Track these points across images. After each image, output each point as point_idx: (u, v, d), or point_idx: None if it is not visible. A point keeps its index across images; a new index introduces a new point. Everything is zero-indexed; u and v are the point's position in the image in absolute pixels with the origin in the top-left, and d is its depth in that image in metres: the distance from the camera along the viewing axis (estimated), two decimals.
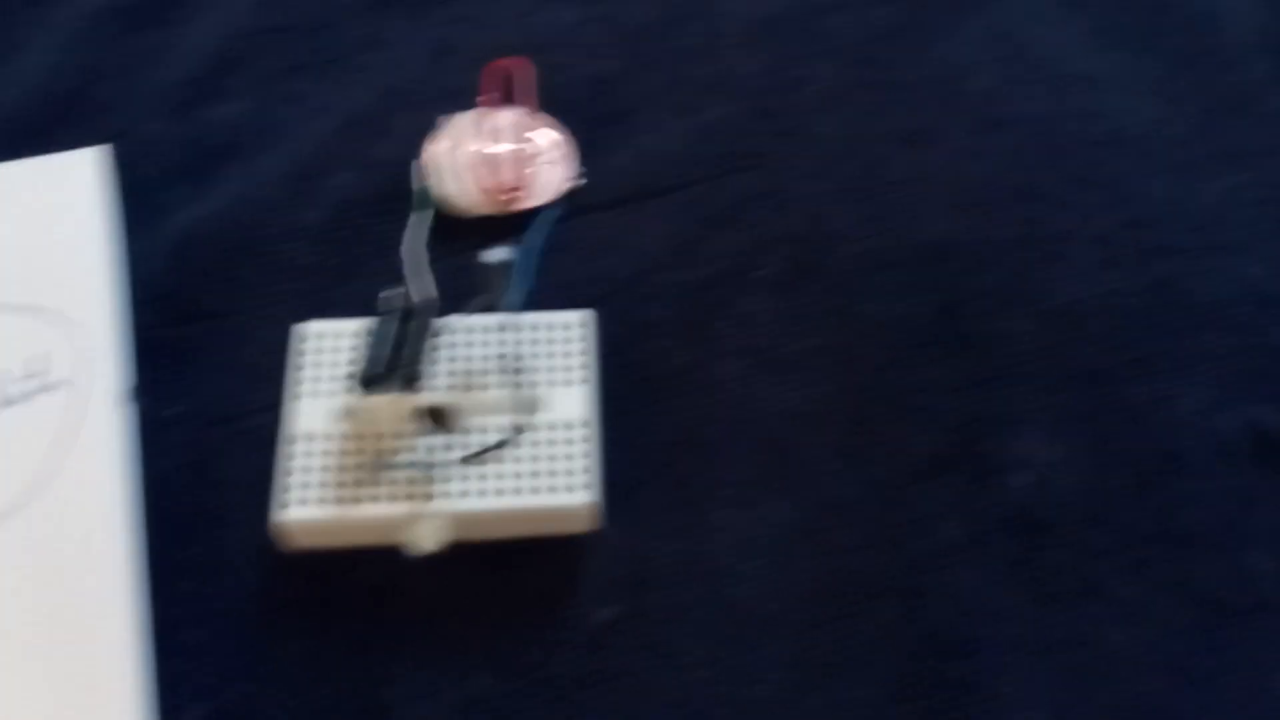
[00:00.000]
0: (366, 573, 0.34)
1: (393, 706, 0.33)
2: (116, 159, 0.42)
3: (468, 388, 0.36)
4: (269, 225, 0.41)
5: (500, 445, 0.34)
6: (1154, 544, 0.35)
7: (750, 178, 0.42)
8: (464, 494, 0.34)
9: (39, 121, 0.43)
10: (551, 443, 0.35)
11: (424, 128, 0.42)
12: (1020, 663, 0.33)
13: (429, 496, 0.34)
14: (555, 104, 0.43)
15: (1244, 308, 0.39)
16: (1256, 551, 0.35)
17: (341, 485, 0.34)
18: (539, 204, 0.41)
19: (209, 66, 0.45)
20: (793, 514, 0.35)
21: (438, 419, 0.34)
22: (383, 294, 0.36)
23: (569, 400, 0.35)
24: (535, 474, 0.34)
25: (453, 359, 0.36)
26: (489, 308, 0.36)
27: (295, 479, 0.34)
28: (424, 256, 0.39)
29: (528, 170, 0.41)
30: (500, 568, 0.34)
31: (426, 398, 0.35)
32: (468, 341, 0.36)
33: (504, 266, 0.35)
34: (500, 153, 0.41)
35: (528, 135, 0.42)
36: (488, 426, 0.35)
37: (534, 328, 0.37)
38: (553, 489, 0.34)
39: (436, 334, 0.36)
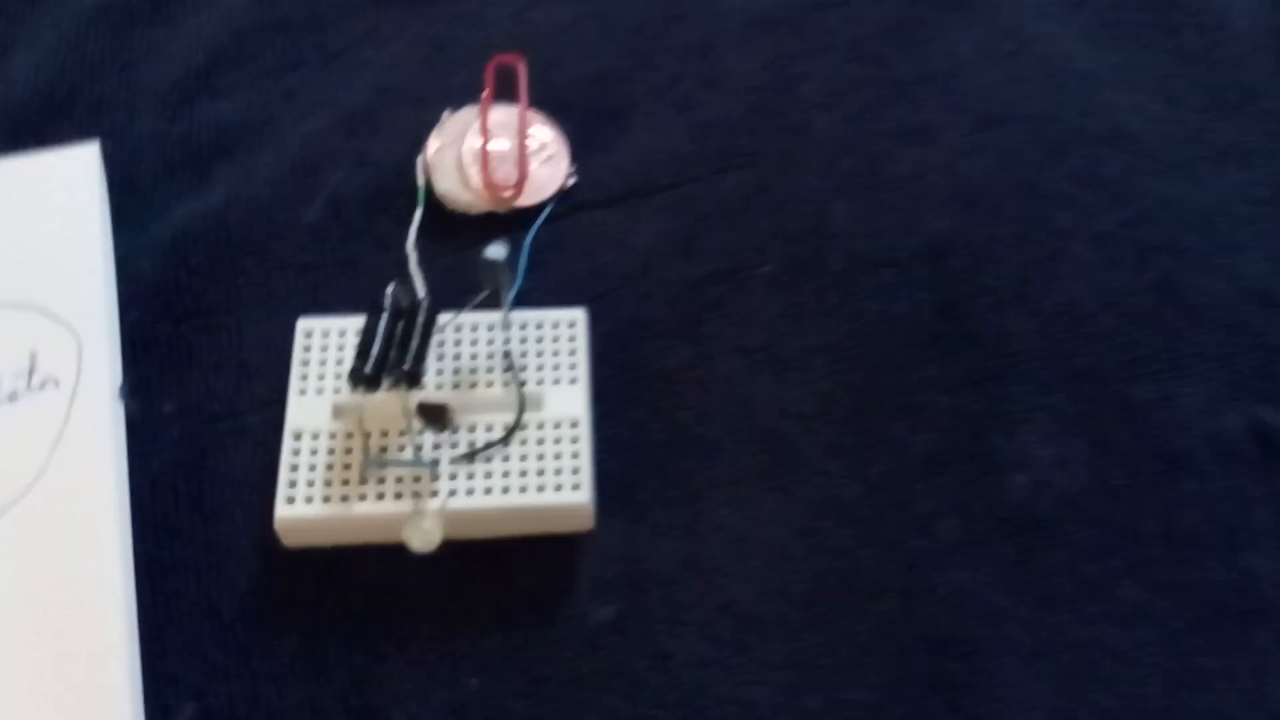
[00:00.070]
0: (362, 571, 0.34)
1: (388, 705, 0.32)
2: (112, 156, 0.42)
3: (464, 385, 0.35)
4: (265, 222, 0.41)
5: (497, 443, 0.34)
6: (1154, 544, 0.35)
7: (748, 175, 0.41)
8: (460, 492, 0.34)
9: (35, 118, 0.43)
10: (548, 441, 0.34)
11: (421, 125, 0.42)
12: (1019, 663, 0.33)
13: (425, 494, 0.34)
14: (553, 101, 0.43)
15: (1244, 308, 0.39)
16: (1256, 552, 0.35)
17: (337, 483, 0.34)
18: (536, 201, 0.40)
19: (205, 63, 0.45)
20: (791, 513, 0.35)
21: (434, 417, 0.34)
22: (389, 290, 0.35)
23: (566, 398, 0.35)
24: (532, 472, 0.34)
25: (449, 356, 0.36)
26: (487, 304, 0.36)
27: (291, 476, 0.34)
28: (419, 254, 0.39)
29: (525, 167, 0.41)
30: (496, 566, 0.34)
31: (423, 395, 0.35)
32: (464, 339, 0.36)
33: (502, 263, 0.35)
34: (498, 150, 0.41)
35: (525, 132, 0.42)
36: (484, 424, 0.35)
37: (531, 325, 0.37)
38: (549, 487, 0.34)
39: (433, 331, 0.35)
